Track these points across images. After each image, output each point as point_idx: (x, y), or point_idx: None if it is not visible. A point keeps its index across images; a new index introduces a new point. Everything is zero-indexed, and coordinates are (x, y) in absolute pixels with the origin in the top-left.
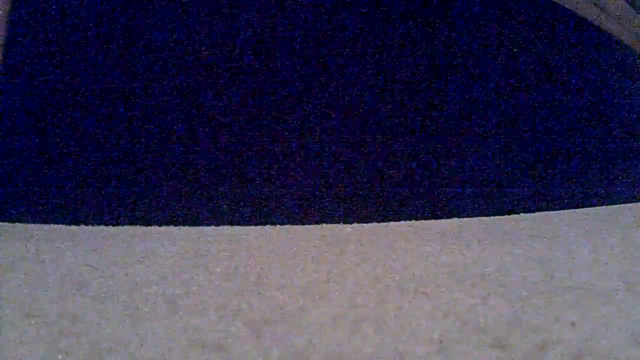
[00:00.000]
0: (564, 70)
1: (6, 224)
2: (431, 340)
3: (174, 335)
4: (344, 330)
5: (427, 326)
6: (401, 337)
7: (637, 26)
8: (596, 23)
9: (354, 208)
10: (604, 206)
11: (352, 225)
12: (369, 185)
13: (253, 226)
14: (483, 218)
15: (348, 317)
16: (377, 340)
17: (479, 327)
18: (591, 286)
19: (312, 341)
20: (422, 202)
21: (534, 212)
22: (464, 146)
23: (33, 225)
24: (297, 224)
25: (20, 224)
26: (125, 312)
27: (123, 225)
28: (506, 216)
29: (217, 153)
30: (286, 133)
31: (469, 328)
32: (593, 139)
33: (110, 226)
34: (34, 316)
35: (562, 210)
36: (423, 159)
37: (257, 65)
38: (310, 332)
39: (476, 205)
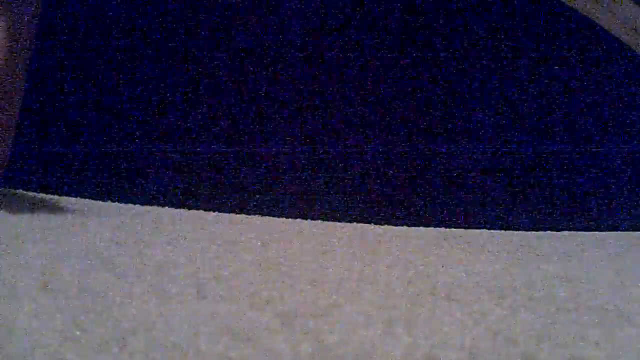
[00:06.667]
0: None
1: (31, 193)
2: (462, 348)
3: (201, 320)
4: (375, 330)
5: (458, 333)
6: (432, 341)
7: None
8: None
9: (385, 210)
10: (628, 231)
11: (383, 226)
12: (400, 190)
13: (284, 218)
14: (510, 232)
15: (380, 317)
16: (408, 343)
17: (509, 339)
18: (614, 308)
19: (344, 338)
20: (452, 210)
21: (559, 231)
22: (492, 161)
23: (58, 196)
24: (329, 221)
25: (46, 195)
26: (151, 293)
27: (152, 205)
28: (532, 232)
29: (247, 146)
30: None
31: (499, 338)
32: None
33: (139, 205)
34: (53, 289)
35: (586, 232)
36: (455, 172)
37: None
38: (342, 329)
39: (502, 219)
